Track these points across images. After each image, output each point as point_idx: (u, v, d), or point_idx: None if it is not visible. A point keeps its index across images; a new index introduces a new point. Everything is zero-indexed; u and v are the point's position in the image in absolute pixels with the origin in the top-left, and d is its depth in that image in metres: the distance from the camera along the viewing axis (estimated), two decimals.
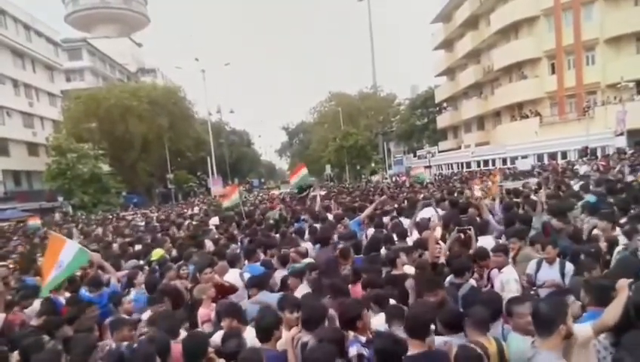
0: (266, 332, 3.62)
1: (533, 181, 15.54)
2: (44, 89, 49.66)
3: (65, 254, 5.76)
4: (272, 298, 4.79)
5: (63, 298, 5.97)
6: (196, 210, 24.02)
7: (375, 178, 44.42)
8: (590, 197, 8.74)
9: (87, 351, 3.45)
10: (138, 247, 10.12)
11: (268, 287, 5.40)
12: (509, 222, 7.37)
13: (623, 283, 3.23)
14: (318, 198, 14.17)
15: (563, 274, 5.00)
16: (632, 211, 6.83)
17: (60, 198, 39.42)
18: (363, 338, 3.46)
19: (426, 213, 8.64)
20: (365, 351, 3.33)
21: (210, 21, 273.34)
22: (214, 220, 13.88)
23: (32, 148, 46.62)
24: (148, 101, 47.28)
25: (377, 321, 3.89)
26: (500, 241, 6.47)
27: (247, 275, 5.97)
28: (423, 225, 7.33)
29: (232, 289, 5.65)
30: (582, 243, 5.95)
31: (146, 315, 4.88)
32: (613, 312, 3.10)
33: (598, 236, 6.00)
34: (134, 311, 5.38)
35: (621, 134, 28.42)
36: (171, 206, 38.04)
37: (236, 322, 4.06)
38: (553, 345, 2.83)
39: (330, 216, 10.35)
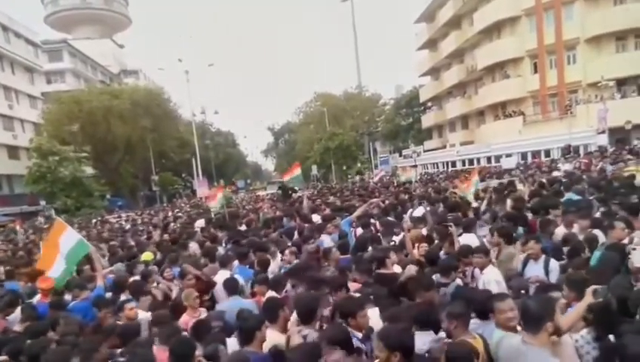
0: (249, 333, 3.64)
1: (517, 179, 15.72)
2: (25, 91, 48.81)
3: (65, 242, 5.73)
4: (237, 305, 4.79)
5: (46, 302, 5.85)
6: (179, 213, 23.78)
7: (357, 178, 44.61)
8: (572, 195, 8.88)
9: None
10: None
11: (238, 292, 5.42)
12: (494, 219, 7.47)
13: (588, 291, 3.38)
14: (306, 200, 14.14)
15: (547, 271, 5.09)
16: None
17: (43, 202, 38.75)
18: (359, 334, 3.53)
19: (418, 211, 8.78)
20: (363, 346, 3.43)
21: (193, 22, 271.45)
22: (200, 222, 13.78)
23: (13, 151, 45.77)
24: (130, 102, 46.72)
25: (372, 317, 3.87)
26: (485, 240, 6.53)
27: (237, 277, 5.94)
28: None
29: (211, 283, 5.72)
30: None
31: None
32: (570, 317, 3.24)
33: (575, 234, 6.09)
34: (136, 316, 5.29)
35: (603, 132, 28.94)
36: (156, 208, 37.65)
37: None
38: (541, 343, 2.87)
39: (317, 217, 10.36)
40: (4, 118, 45.05)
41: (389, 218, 9.12)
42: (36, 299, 6.14)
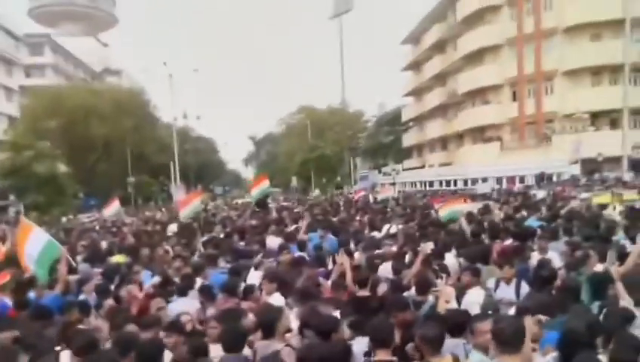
0: (269, 327, 3.78)
1: (492, 204, 15.97)
2: (1, 83, 47.67)
3: (32, 244, 5.47)
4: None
5: (8, 299, 5.63)
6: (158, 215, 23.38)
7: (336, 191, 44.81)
8: (533, 221, 9.16)
9: None
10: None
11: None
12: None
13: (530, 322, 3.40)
14: (274, 212, 14.18)
15: (518, 294, 5.17)
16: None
17: (12, 197, 37.57)
18: None
19: (392, 229, 8.93)
20: None
21: (180, 27, 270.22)
22: (172, 227, 13.55)
23: None
24: (112, 102, 46.04)
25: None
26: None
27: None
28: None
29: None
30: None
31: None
32: (525, 351, 3.17)
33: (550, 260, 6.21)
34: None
35: (575, 162, 29.80)
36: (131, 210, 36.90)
37: None
38: None
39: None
40: None
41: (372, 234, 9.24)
42: None
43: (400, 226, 9.06)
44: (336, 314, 4.29)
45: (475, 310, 4.54)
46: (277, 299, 5.04)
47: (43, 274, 5.69)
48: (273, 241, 8.73)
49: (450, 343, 3.65)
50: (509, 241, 7.43)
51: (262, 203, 18.53)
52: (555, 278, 5.27)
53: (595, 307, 4.19)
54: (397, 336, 4.03)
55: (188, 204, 13.98)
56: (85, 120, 43.98)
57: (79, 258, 8.52)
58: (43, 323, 4.52)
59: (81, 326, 4.40)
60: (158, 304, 4.99)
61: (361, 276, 5.30)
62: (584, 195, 16.78)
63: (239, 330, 3.72)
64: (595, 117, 34.56)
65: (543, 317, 3.42)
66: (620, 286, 4.17)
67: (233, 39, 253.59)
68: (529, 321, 3.32)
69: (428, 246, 6.49)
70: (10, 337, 3.92)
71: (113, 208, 15.32)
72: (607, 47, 33.72)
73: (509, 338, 2.99)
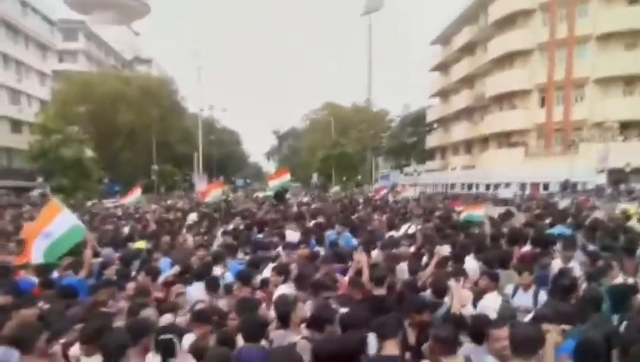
0: (284, 318, 3.87)
1: (514, 209, 15.75)
2: (35, 67, 48.84)
3: (58, 224, 5.35)
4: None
5: (34, 278, 5.81)
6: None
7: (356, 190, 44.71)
8: (563, 229, 8.96)
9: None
10: None
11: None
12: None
13: (552, 331, 3.31)
14: (296, 206, 14.25)
15: (536, 302, 5.11)
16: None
17: (40, 179, 38.58)
18: None
19: (411, 229, 8.90)
20: None
21: (211, 18, 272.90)
22: (193, 216, 13.76)
23: (16, 125, 45.68)
24: (140, 91, 46.85)
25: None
26: None
27: (227, 274, 6.02)
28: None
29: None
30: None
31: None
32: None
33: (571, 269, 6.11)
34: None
35: (602, 171, 29.10)
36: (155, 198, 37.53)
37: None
38: None
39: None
40: (11, 91, 45.05)
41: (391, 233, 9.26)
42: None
43: (419, 227, 9.01)
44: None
45: (490, 315, 4.47)
46: (284, 291, 5.06)
47: (56, 255, 5.54)
48: (292, 235, 8.79)
49: (471, 349, 3.67)
50: (527, 248, 7.34)
51: (281, 196, 18.65)
52: (576, 288, 5.21)
53: (615, 319, 4.13)
54: (412, 337, 4.06)
55: (210, 192, 14.31)
56: (113, 107, 44.86)
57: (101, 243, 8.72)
58: (67, 302, 4.63)
59: (104, 309, 4.47)
60: (179, 289, 5.08)
61: (378, 274, 5.29)
62: (609, 205, 16.41)
63: (259, 320, 3.76)
64: (625, 127, 33.68)
65: (566, 327, 3.36)
66: None
67: (264, 33, 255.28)
68: (553, 332, 3.25)
69: (444, 249, 6.44)
70: (34, 314, 4.07)
71: (134, 197, 15.63)
72: None
73: (522, 342, 2.97)
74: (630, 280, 5.23)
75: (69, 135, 38.98)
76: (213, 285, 5.33)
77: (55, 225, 5.46)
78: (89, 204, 27.48)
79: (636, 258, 6.24)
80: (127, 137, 47.62)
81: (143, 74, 55.97)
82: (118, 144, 47.43)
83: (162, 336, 3.18)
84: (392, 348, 3.36)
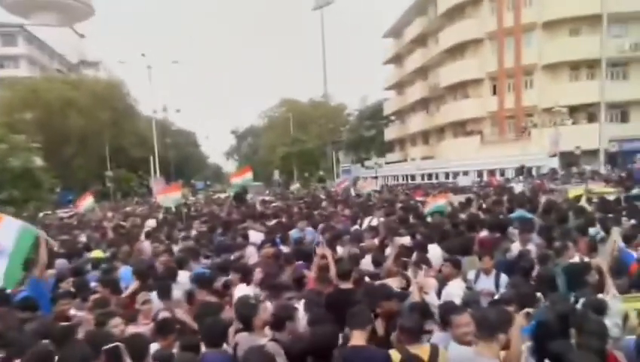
0: (246, 321, 3.81)
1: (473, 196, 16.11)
2: None
3: (4, 233, 4.88)
4: None
5: None
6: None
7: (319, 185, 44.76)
8: (522, 213, 9.25)
9: None
10: None
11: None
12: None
13: (519, 316, 3.41)
14: (258, 204, 14.12)
15: (497, 285, 5.23)
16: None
17: None
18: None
19: (374, 222, 8.99)
20: None
21: (158, 17, 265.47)
22: (151, 222, 13.33)
23: None
24: (89, 95, 45.12)
25: None
26: None
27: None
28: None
29: None
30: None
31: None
32: (514, 345, 3.22)
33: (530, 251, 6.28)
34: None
35: (554, 155, 30.30)
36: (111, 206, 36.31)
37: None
38: (493, 353, 2.91)
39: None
40: None
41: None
42: None
43: (381, 219, 9.07)
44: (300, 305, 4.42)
45: (456, 301, 4.53)
46: (242, 291, 5.03)
47: (16, 273, 5.06)
48: (255, 236, 8.73)
49: (440, 337, 3.72)
50: (484, 233, 7.54)
51: (240, 198, 18.45)
52: (533, 269, 5.37)
53: (571, 297, 4.26)
54: (381, 328, 4.07)
55: (165, 194, 13.84)
56: (62, 112, 43.04)
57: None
58: (22, 318, 4.43)
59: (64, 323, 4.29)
60: (144, 297, 4.93)
61: (344, 269, 5.28)
62: (560, 188, 17.07)
63: (219, 324, 3.67)
64: (574, 111, 35.13)
65: (530, 310, 3.45)
66: (609, 279, 4.21)
67: (213, 31, 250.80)
68: (519, 316, 3.34)
69: (402, 240, 6.59)
70: None
71: (87, 203, 15.03)
72: (585, 42, 34.23)
73: (485, 324, 3.04)
74: (585, 259, 5.44)
75: (16, 144, 37.10)
76: (165, 292, 5.13)
77: (2, 236, 5.01)
78: (41, 215, 26.34)
79: (589, 237, 6.50)
80: (79, 144, 45.82)
81: (91, 77, 53.86)
82: (70, 151, 45.56)
83: (105, 346, 3.05)
84: (360, 339, 3.42)
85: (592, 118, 35.25)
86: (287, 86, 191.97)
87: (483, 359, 2.93)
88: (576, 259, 5.47)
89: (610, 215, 8.19)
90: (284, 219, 11.30)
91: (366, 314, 3.59)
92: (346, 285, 5.04)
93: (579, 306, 3.88)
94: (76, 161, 46.70)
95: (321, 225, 9.32)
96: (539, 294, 4.45)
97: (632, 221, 7.63)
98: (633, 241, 5.81)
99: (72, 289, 5.54)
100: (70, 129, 43.67)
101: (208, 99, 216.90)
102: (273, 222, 10.92)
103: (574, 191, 13.89)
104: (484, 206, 11.51)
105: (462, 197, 13.73)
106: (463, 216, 9.50)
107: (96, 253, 8.22)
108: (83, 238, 10.95)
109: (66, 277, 6.06)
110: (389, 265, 5.77)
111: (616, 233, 5.80)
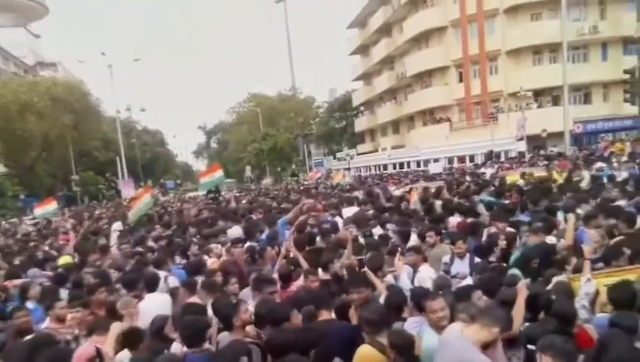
0: (225, 322, 3.82)
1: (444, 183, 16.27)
2: None
3: None
4: None
5: None
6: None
7: (290, 179, 44.76)
8: (484, 197, 9.53)
9: None
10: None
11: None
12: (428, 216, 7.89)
13: (520, 286, 3.68)
14: (233, 201, 13.93)
15: (472, 268, 5.30)
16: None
17: None
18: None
19: (349, 212, 9.04)
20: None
21: (117, 14, 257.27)
22: (117, 225, 12.88)
23: None
24: (50, 97, 43.48)
25: None
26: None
27: (171, 279, 5.84)
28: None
29: None
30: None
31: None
32: (518, 314, 3.43)
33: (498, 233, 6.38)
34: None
35: (521, 139, 31.01)
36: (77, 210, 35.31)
37: None
38: (479, 339, 2.90)
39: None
40: None
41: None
42: None
43: (356, 210, 9.09)
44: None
45: (427, 285, 4.69)
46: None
47: None
48: (233, 232, 8.77)
49: (414, 321, 3.77)
50: (456, 218, 7.74)
51: (214, 196, 18.18)
52: (497, 246, 5.65)
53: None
54: (354, 318, 4.06)
55: (137, 201, 13.36)
56: (21, 117, 41.36)
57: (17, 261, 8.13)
58: None
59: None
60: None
61: (324, 261, 5.35)
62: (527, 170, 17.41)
63: (197, 324, 3.60)
64: (538, 94, 35.95)
65: (528, 281, 3.86)
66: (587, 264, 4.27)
67: (175, 27, 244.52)
68: (521, 286, 3.69)
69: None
70: None
71: (48, 208, 14.31)
72: (546, 27, 34.88)
73: (494, 313, 3.06)
74: (553, 239, 5.59)
75: None
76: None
77: None
78: (4, 223, 25.41)
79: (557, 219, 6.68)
80: (42, 148, 44.27)
81: (49, 79, 51.86)
82: (32, 156, 44.00)
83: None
84: (326, 315, 3.82)
85: (556, 101, 36.11)
86: (255, 80, 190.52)
87: (465, 343, 2.87)
88: (548, 239, 5.56)
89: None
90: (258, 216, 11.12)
91: (324, 295, 4.04)
92: (325, 276, 5.21)
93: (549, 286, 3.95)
94: (40, 167, 45.20)
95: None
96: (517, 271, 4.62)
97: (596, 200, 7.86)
98: (592, 221, 5.94)
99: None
100: (30, 134, 42.07)
101: (174, 97, 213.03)
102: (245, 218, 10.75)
103: (510, 177, 14.56)
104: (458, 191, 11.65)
105: (433, 185, 13.89)
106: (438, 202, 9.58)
107: (65, 259, 8.02)
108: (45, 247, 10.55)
109: (34, 286, 5.77)
110: (347, 255, 5.83)
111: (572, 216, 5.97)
